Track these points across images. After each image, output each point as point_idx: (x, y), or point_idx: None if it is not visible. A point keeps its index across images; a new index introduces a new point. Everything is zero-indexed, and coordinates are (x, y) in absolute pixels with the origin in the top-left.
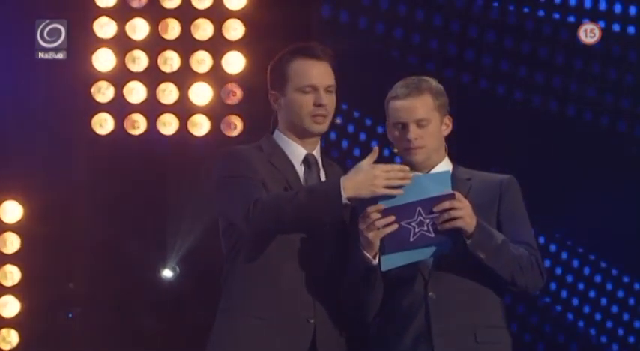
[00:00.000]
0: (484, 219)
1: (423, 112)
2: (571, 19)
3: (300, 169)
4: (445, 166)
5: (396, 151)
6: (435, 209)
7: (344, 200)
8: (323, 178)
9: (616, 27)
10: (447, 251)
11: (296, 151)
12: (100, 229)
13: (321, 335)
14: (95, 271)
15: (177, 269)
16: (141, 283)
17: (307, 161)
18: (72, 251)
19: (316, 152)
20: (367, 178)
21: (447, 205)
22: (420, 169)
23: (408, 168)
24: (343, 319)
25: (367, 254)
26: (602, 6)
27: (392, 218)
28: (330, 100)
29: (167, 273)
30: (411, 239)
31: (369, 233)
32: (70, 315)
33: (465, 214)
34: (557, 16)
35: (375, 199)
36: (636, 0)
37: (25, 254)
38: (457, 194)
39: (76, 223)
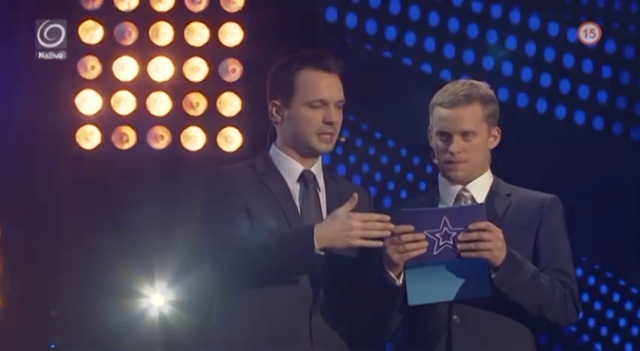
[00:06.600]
0: (520, 240)
1: (469, 124)
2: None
3: (296, 187)
4: (485, 179)
5: (435, 162)
6: (460, 238)
7: (316, 251)
8: (322, 196)
9: None
10: (482, 295)
11: (293, 168)
12: (86, 251)
13: None
14: (79, 297)
15: (168, 295)
16: (129, 310)
17: (304, 178)
18: (54, 275)
19: (315, 168)
20: (342, 228)
21: (474, 235)
22: (459, 182)
23: (388, 218)
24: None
25: (391, 274)
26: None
27: (424, 243)
28: (339, 117)
29: (157, 299)
30: (435, 253)
31: (395, 255)
32: (52, 345)
33: (493, 247)
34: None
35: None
36: None
37: (4, 278)
38: (488, 224)
39: (59, 245)
